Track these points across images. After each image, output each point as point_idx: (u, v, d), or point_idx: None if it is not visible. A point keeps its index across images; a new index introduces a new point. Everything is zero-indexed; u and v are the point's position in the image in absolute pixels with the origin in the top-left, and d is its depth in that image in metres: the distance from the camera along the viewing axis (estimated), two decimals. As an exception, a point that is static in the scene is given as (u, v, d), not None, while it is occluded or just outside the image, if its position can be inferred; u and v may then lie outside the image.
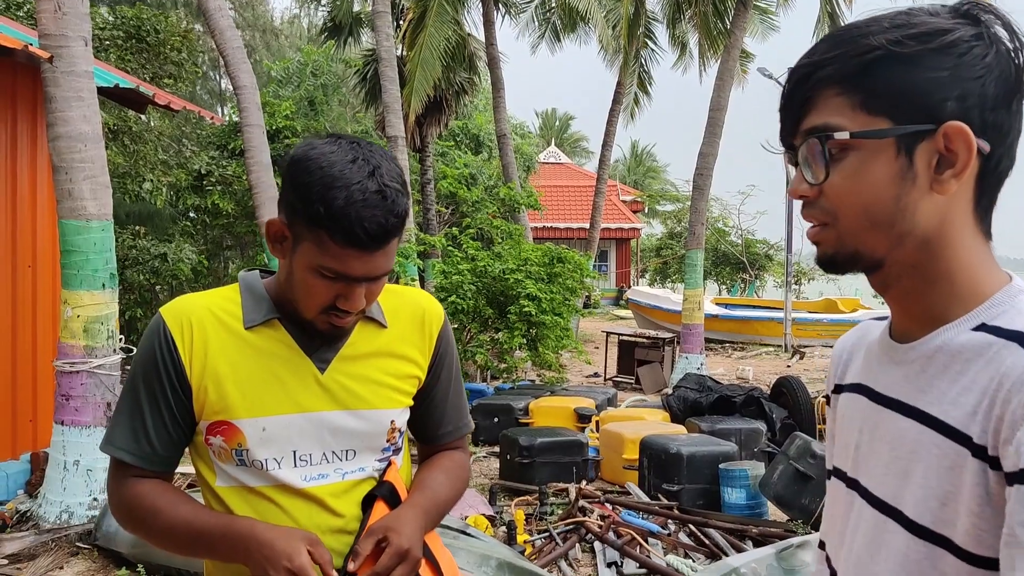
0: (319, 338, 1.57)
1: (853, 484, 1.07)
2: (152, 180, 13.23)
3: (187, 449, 1.63)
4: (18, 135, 6.47)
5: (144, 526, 1.58)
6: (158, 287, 13.59)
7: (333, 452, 1.58)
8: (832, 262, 1.02)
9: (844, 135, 0.96)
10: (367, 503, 1.59)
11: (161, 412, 1.55)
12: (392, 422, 1.62)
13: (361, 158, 1.43)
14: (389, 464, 1.65)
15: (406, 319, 1.67)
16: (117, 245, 5.76)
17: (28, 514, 5.54)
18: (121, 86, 6.83)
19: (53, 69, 5.43)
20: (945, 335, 0.97)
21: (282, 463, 1.54)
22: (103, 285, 5.62)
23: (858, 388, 1.10)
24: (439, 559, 1.64)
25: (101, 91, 6.33)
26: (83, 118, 5.51)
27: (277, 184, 10.66)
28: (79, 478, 5.47)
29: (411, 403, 1.67)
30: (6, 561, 4.97)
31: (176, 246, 12.74)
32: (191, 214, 15.16)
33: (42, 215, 6.62)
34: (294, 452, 1.55)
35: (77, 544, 5.22)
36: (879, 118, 0.95)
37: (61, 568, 4.98)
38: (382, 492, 1.60)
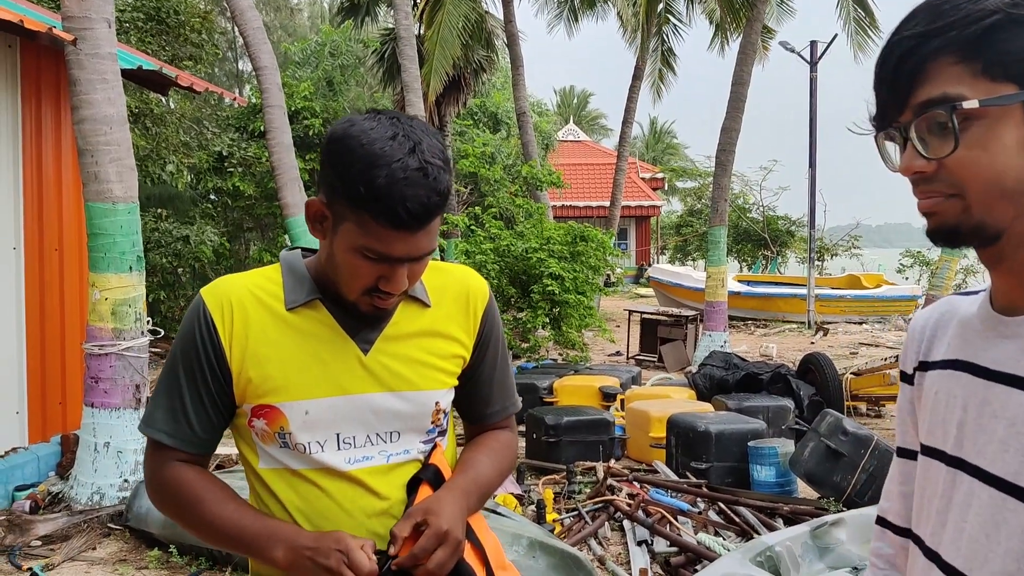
0: (362, 319, 1.54)
1: (956, 463, 1.03)
2: (174, 162, 13.25)
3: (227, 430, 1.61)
4: (43, 118, 6.48)
5: (184, 514, 1.56)
6: (180, 270, 13.64)
7: (377, 434, 1.55)
8: (954, 234, 0.98)
9: (973, 104, 0.92)
10: (412, 486, 1.56)
11: (200, 395, 1.52)
12: (437, 403, 1.59)
13: (401, 134, 1.38)
14: (434, 447, 1.62)
15: (450, 298, 1.63)
16: (140, 229, 5.76)
17: (60, 496, 5.58)
18: (144, 68, 6.81)
19: (77, 51, 5.42)
20: None
21: (325, 446, 1.51)
22: (130, 268, 5.63)
23: (956, 364, 1.06)
24: (484, 542, 1.60)
25: (124, 73, 6.32)
26: (108, 100, 5.50)
27: (298, 165, 10.64)
28: (110, 460, 5.50)
29: (456, 383, 1.64)
30: (40, 542, 5.02)
31: (198, 228, 12.77)
32: (212, 196, 15.19)
33: (67, 198, 6.64)
34: (337, 435, 1.52)
35: (109, 525, 5.25)
36: (1004, 84, 0.92)
37: (94, 549, 5.02)
38: (427, 475, 1.57)
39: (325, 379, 1.51)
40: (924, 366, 1.14)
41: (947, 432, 1.05)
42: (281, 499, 1.52)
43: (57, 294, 6.54)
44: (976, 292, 1.10)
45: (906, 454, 1.18)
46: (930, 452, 1.09)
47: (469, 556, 1.54)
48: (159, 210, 12.94)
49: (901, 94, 0.97)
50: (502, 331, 1.74)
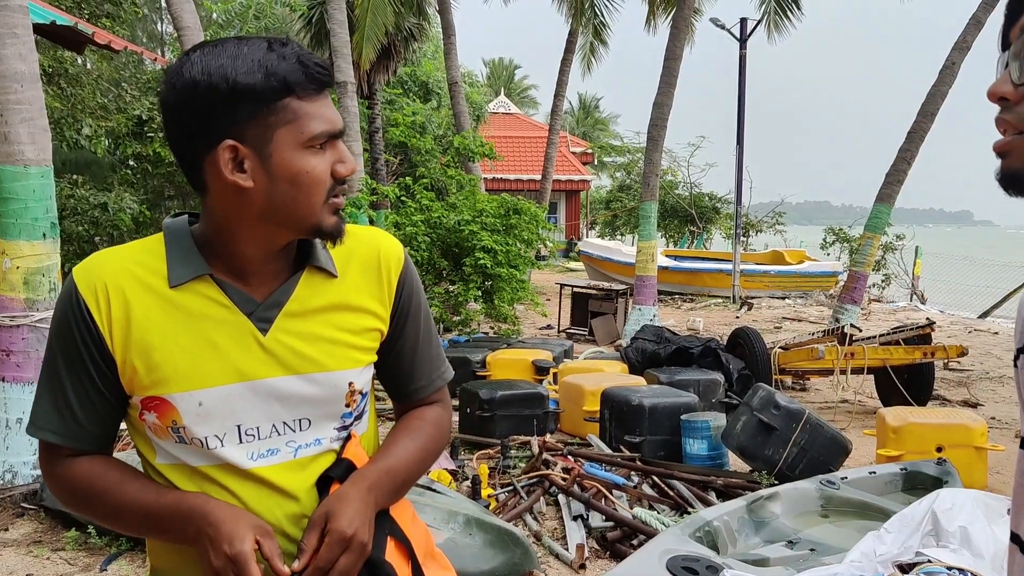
0: (255, 295, 1.39)
1: None
2: (91, 126, 12.69)
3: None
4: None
5: (89, 508, 1.42)
6: (98, 238, 13.11)
7: (284, 423, 1.39)
8: (1016, 179, 0.88)
9: None
10: (323, 485, 1.42)
11: (84, 387, 1.37)
12: (351, 384, 1.44)
13: (231, 40, 1.34)
14: (349, 437, 1.47)
15: (360, 265, 1.47)
16: (55, 194, 5.46)
17: (-31, 474, 5.30)
18: (58, 23, 6.45)
19: (-16, 3, 5.09)
20: None
21: (225, 440, 1.36)
22: (43, 235, 5.34)
23: None
24: (410, 534, 1.48)
25: (37, 29, 5.97)
26: (18, 56, 5.17)
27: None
28: (23, 436, 5.24)
29: (374, 359, 1.49)
30: (-53, 524, 4.76)
31: (116, 195, 12.28)
32: (131, 162, 14.62)
33: (-25, 160, 6.25)
34: (238, 427, 1.37)
35: (22, 505, 5.01)
36: None
37: (6, 530, 4.78)
38: (337, 473, 1.42)
39: (219, 365, 1.36)
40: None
41: None
42: None
43: (-36, 262, 6.17)
44: None
45: None
46: None
47: (392, 554, 1.42)
48: (75, 176, 12.41)
49: (1013, 16, 0.89)
50: (423, 297, 1.59)
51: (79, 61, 12.54)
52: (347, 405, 1.45)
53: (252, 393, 1.37)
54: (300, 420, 1.41)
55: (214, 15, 18.62)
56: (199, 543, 1.30)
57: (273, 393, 1.38)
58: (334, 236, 1.39)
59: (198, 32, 9.24)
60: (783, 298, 18.92)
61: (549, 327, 13.48)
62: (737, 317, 15.97)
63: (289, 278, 1.42)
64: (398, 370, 1.57)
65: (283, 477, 1.39)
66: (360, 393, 1.47)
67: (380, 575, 1.38)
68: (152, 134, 13.47)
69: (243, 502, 1.36)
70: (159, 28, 26.01)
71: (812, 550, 3.84)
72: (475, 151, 14.35)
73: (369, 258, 1.49)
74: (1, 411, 5.27)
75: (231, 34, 17.57)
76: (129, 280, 1.36)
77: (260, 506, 1.36)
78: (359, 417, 1.49)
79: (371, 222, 13.16)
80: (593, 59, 21.43)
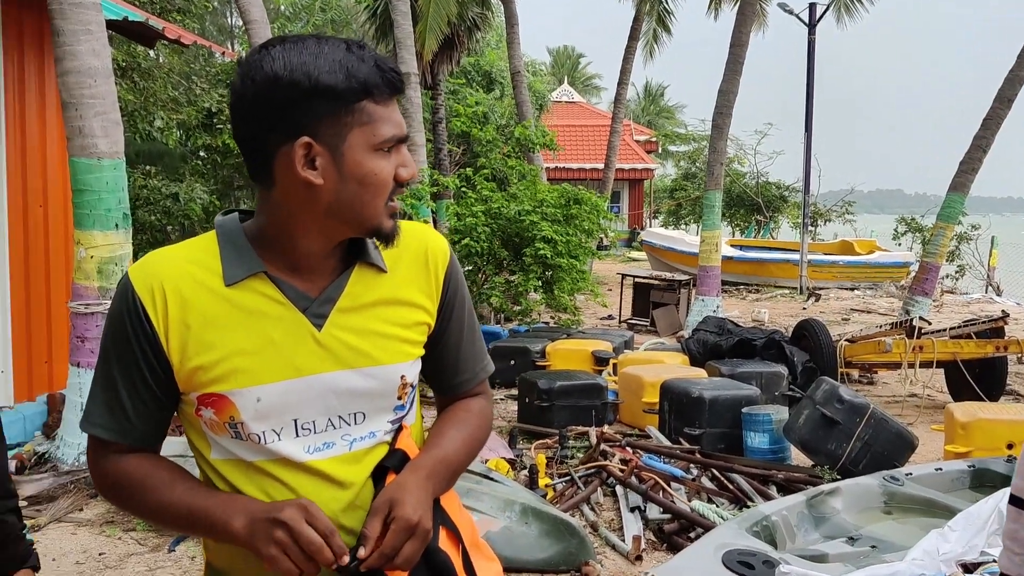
0: (309, 291, 1.41)
1: None
2: (162, 118, 13.02)
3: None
4: (26, 70, 6.31)
5: (134, 504, 1.45)
6: (170, 227, 13.47)
7: (340, 417, 1.42)
8: None
9: None
10: (378, 475, 1.44)
11: (136, 386, 1.39)
12: (402, 377, 1.46)
13: (311, 38, 1.37)
14: (400, 429, 1.50)
15: (408, 261, 1.50)
16: (128, 185, 5.62)
17: (46, 456, 5.51)
18: (130, 19, 6.63)
19: (60, 1, 5.25)
20: None
21: (282, 434, 1.38)
22: (116, 225, 5.51)
23: None
24: (458, 523, 1.50)
25: (109, 25, 6.14)
26: (92, 52, 5.33)
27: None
28: (97, 420, 5.42)
29: (422, 352, 1.52)
30: (25, 503, 4.94)
31: (187, 186, 12.58)
32: (202, 153, 14.97)
33: (52, 153, 6.49)
34: (295, 421, 1.39)
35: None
36: None
37: (81, 510, 4.96)
38: (393, 463, 1.44)
39: (277, 361, 1.37)
40: None
41: None
42: (240, 492, 1.40)
43: (42, 251, 6.42)
44: None
45: None
46: None
47: (444, 542, 1.44)
48: (148, 167, 12.74)
49: None
50: (467, 292, 1.61)
51: (151, 55, 12.86)
52: (399, 398, 1.48)
53: (309, 388, 1.39)
54: (355, 414, 1.44)
55: (281, 7, 18.91)
56: (250, 536, 1.32)
57: (329, 387, 1.40)
58: (390, 238, 1.42)
59: (265, 26, 9.41)
60: (852, 289, 18.52)
61: (610, 317, 13.42)
62: (804, 308, 15.69)
63: (341, 274, 1.45)
64: (443, 363, 1.59)
65: (339, 469, 1.41)
66: (410, 386, 1.50)
67: (435, 562, 1.40)
68: (221, 126, 13.76)
69: (299, 494, 1.38)
70: (229, 21, 26.50)
71: (873, 547, 3.77)
72: (535, 141, 14.32)
73: (417, 253, 1.51)
74: (76, 395, 5.45)
75: (299, 26, 17.90)
76: (186, 280, 1.38)
77: (316, 498, 1.38)
78: (409, 411, 1.52)
79: (433, 213, 13.27)
80: (656, 46, 21.19)
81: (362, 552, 1.32)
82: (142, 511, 1.46)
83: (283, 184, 1.36)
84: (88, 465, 1.49)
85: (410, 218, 10.19)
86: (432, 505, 1.40)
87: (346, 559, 1.31)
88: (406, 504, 1.34)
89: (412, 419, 1.55)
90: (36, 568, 1.86)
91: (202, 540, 1.54)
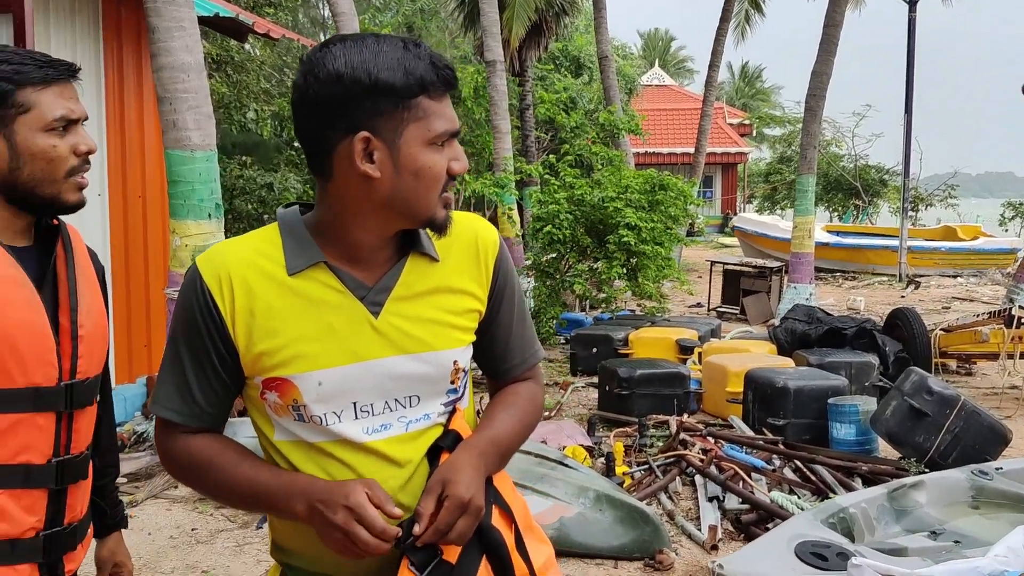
0: (367, 280, 1.47)
1: None
2: (256, 110, 13.40)
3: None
4: (124, 65, 6.59)
5: (200, 482, 1.53)
6: (266, 216, 13.86)
7: (396, 400, 1.48)
8: None
9: None
10: (432, 455, 1.50)
11: (205, 371, 1.47)
12: (455, 362, 1.52)
13: (370, 37, 1.42)
14: (454, 411, 1.56)
15: (459, 250, 1.55)
16: (225, 175, 5.84)
17: (144, 435, 5.78)
18: (221, 15, 6.85)
19: (154, -1, 5.47)
20: None
21: (342, 416, 1.45)
22: (209, 215, 5.72)
23: None
24: (511, 504, 1.55)
25: (202, 20, 6.36)
26: (185, 48, 5.54)
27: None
28: (191, 402, 5.65)
29: (473, 339, 1.57)
30: (124, 480, 5.21)
31: (282, 176, 12.91)
32: (295, 144, 15.34)
33: (150, 145, 6.77)
34: (354, 404, 1.46)
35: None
36: None
37: (176, 488, 5.19)
38: (447, 443, 1.50)
39: (337, 347, 1.44)
40: None
41: None
42: (301, 471, 1.47)
43: (141, 240, 6.71)
44: None
45: None
46: None
47: (496, 520, 1.49)
48: (244, 157, 13.13)
49: None
50: (517, 279, 1.66)
51: (244, 48, 13.24)
52: (452, 382, 1.53)
53: (367, 373, 1.45)
54: (410, 397, 1.50)
55: (372, -2, 19.22)
56: (313, 515, 1.39)
57: (386, 372, 1.47)
58: (443, 229, 1.48)
59: (352, 17, 9.58)
60: (954, 276, 17.81)
61: (699, 305, 13.24)
62: (902, 296, 15.17)
63: (396, 263, 1.51)
64: (494, 349, 1.64)
65: (396, 449, 1.48)
66: (463, 371, 1.56)
67: (488, 539, 1.46)
68: (313, 117, 14.06)
69: (359, 473, 1.45)
70: (322, 13, 27.04)
71: (956, 542, 3.64)
72: (621, 127, 14.18)
73: (468, 243, 1.57)
74: (172, 378, 5.69)
75: (388, 16, 18.10)
76: (252, 270, 1.45)
77: (376, 476, 1.45)
78: (461, 395, 1.58)
79: (519, 201, 13.30)
80: (748, 27, 20.71)
81: (417, 528, 1.38)
82: (208, 489, 1.55)
83: (342, 177, 1.42)
84: (156, 445, 1.57)
85: (495, 205, 10.25)
86: (484, 484, 1.45)
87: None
88: (459, 483, 1.40)
89: (465, 403, 1.60)
90: (124, 526, 2.06)
91: (268, 518, 1.61)
